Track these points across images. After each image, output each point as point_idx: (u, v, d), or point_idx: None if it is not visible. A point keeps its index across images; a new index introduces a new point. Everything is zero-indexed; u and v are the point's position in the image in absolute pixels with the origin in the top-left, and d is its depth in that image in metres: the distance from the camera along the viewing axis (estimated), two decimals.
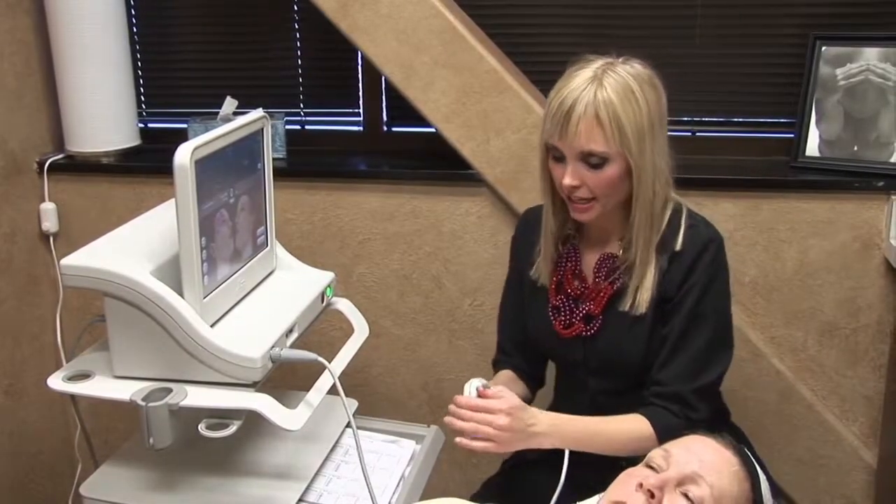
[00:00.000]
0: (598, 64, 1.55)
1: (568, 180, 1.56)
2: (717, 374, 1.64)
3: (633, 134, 1.51)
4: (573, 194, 1.58)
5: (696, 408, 1.60)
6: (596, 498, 1.29)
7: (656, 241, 1.62)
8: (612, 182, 1.55)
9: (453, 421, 1.55)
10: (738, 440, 1.33)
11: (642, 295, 1.60)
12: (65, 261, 1.53)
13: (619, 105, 1.50)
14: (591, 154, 1.53)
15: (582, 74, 1.54)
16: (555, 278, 1.72)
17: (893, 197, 2.10)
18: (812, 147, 2.19)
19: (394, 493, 1.70)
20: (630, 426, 1.60)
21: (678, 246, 1.61)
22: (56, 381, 1.59)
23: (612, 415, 1.61)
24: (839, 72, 2.15)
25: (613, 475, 1.28)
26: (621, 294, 1.63)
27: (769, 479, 1.34)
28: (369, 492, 1.53)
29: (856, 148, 2.15)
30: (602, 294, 1.65)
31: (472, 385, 1.62)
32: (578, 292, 1.69)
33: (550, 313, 1.72)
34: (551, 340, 1.73)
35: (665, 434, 1.49)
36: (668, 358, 1.62)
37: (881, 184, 2.10)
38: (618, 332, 1.64)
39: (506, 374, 1.85)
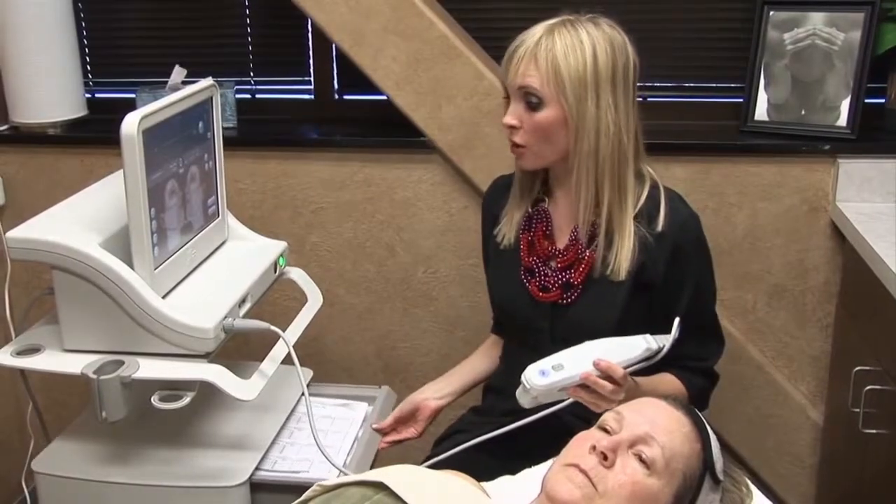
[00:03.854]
0: (562, 17, 1.59)
1: (507, 119, 1.61)
2: (723, 341, 1.76)
3: (570, 81, 1.54)
4: (511, 136, 1.62)
5: (714, 378, 1.76)
6: (549, 462, 1.31)
7: (632, 211, 1.62)
8: (545, 127, 1.57)
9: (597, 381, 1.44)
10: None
11: (621, 263, 1.60)
12: (10, 233, 1.51)
13: (559, 50, 1.54)
14: (529, 92, 1.56)
15: (542, 23, 1.59)
16: (525, 239, 1.71)
17: (839, 160, 2.13)
18: (761, 111, 2.22)
19: (348, 454, 1.71)
20: (673, 389, 1.65)
21: (660, 226, 1.61)
22: (4, 356, 1.57)
23: None
24: (787, 36, 2.17)
25: (560, 441, 1.30)
26: (600, 262, 1.63)
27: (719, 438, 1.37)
28: (325, 457, 1.54)
29: (803, 112, 2.17)
30: (584, 263, 1.64)
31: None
32: (548, 253, 1.68)
33: (523, 275, 1.71)
34: (520, 304, 1.71)
35: (698, 396, 1.69)
36: (686, 335, 1.60)
37: (827, 147, 2.13)
38: (594, 300, 1.64)
39: (489, 341, 1.93)
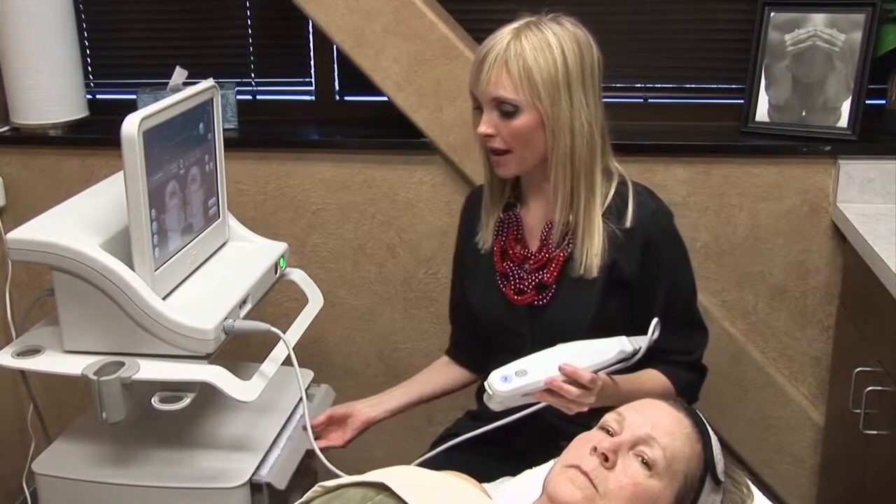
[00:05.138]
0: (526, 19, 1.57)
1: (482, 128, 1.59)
2: (707, 331, 1.75)
3: (544, 84, 1.52)
4: (488, 144, 1.60)
5: (703, 370, 1.74)
6: (550, 463, 1.30)
7: (601, 208, 1.61)
8: (524, 132, 1.56)
9: (562, 386, 1.43)
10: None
11: (592, 260, 1.60)
12: (11, 234, 1.51)
13: (529, 54, 1.52)
14: (502, 101, 1.55)
15: (506, 27, 1.57)
16: (498, 245, 1.71)
17: (840, 161, 2.12)
18: (762, 112, 2.21)
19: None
20: (658, 385, 1.64)
21: (628, 222, 1.60)
22: (5, 357, 1.57)
23: None
24: (787, 37, 2.16)
25: (559, 443, 1.30)
26: (572, 260, 1.63)
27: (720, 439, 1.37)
28: (323, 460, 1.54)
29: (804, 113, 2.17)
30: (555, 262, 1.64)
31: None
32: (521, 256, 1.68)
33: (499, 280, 1.71)
34: (498, 310, 1.71)
35: (685, 390, 1.67)
36: (667, 330, 1.58)
37: (828, 148, 2.13)
38: (569, 299, 1.64)
39: (440, 362, 1.92)
